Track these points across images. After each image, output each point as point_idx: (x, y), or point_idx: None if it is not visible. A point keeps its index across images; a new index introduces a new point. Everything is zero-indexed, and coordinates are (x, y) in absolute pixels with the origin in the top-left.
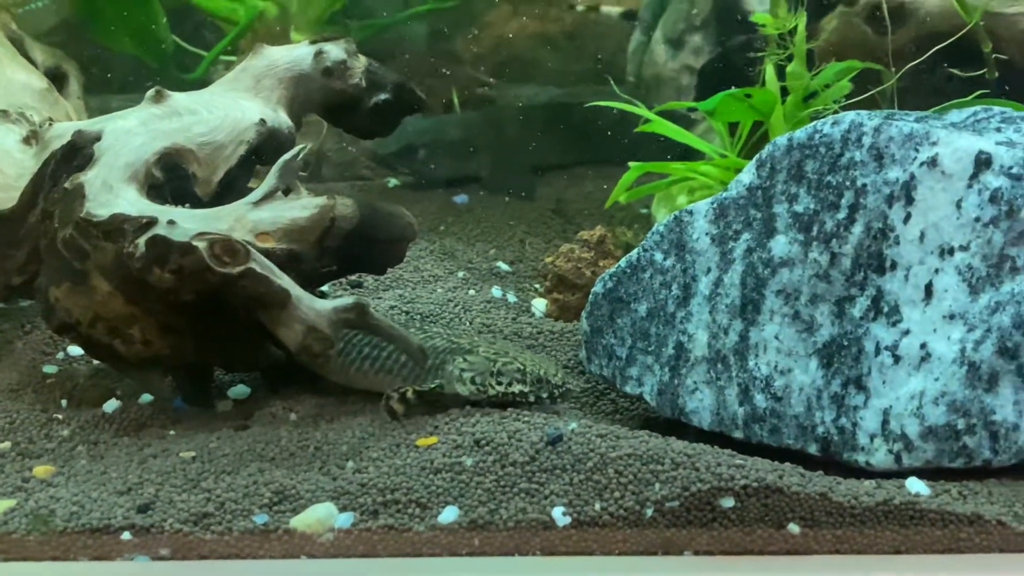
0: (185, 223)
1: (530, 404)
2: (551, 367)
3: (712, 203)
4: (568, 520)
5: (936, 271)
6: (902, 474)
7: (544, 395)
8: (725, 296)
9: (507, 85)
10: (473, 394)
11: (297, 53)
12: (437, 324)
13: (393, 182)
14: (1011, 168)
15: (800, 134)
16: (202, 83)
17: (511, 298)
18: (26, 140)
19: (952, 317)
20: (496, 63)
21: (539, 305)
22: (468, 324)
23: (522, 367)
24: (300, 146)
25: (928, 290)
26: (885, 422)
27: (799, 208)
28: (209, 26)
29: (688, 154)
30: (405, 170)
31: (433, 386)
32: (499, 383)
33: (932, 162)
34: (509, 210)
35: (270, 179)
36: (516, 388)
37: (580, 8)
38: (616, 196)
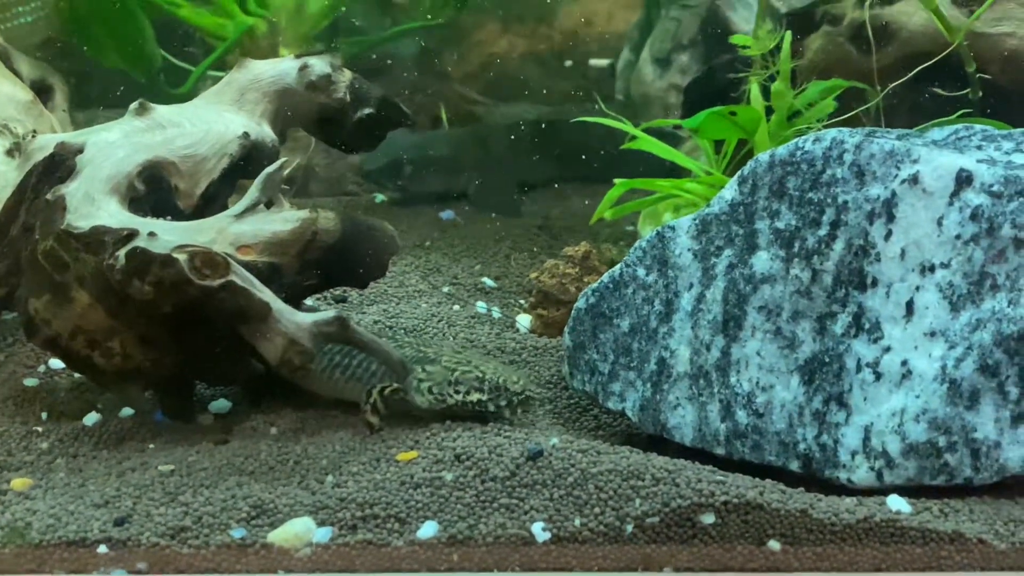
0: (166, 235)
1: (491, 413)
2: (513, 375)
3: (694, 219)
4: (548, 536)
5: (917, 288)
6: (883, 491)
7: (503, 403)
8: (707, 312)
9: (495, 102)
10: (432, 404)
11: (282, 67)
12: (409, 335)
13: (380, 198)
14: (992, 186)
15: (782, 151)
16: (190, 98)
17: (496, 313)
18: (9, 152)
19: (933, 334)
20: (484, 80)
21: (524, 321)
22: (452, 339)
23: (481, 375)
24: (283, 159)
25: (909, 307)
26: (866, 439)
27: (781, 224)
28: (198, 42)
29: (674, 171)
30: (392, 186)
31: (396, 387)
32: (457, 392)
33: (913, 179)
34: (495, 226)
35: (252, 192)
36: (474, 397)
37: (568, 64)
38: (601, 212)
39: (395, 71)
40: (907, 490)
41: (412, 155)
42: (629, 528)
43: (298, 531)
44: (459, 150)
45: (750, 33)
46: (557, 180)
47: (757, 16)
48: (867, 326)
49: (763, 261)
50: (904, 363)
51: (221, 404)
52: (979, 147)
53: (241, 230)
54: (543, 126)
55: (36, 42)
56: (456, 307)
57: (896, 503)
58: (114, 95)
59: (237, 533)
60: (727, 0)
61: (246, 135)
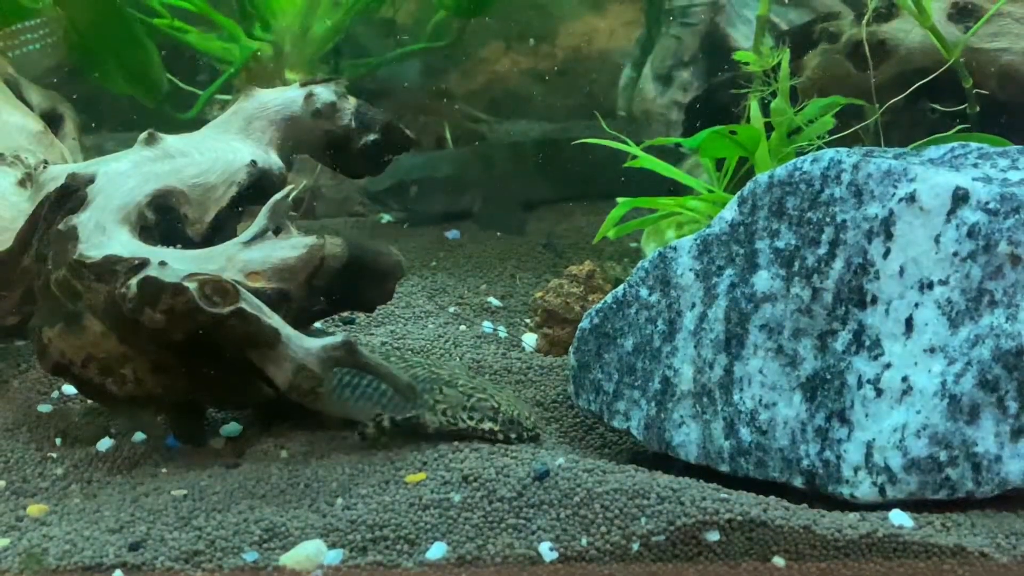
0: (176, 264)
1: (498, 442)
2: (525, 410)
3: (696, 239)
4: (555, 555)
5: (916, 305)
6: (886, 506)
7: (513, 435)
8: (709, 331)
9: (499, 121)
10: (443, 425)
11: (288, 95)
12: (418, 355)
13: (386, 218)
14: (988, 203)
15: (781, 171)
16: (197, 122)
17: (502, 333)
18: (21, 183)
19: (932, 350)
20: (488, 99)
21: (529, 340)
22: (459, 359)
23: (496, 406)
24: (289, 186)
25: (908, 324)
26: (868, 455)
27: (780, 244)
28: (204, 66)
29: (675, 188)
30: (397, 206)
31: (410, 416)
32: (471, 418)
33: (910, 198)
34: (500, 245)
35: (260, 219)
36: (487, 425)
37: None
38: (604, 231)
39: (399, 91)
40: (909, 504)
41: (417, 175)
42: (635, 546)
43: (309, 553)
44: (463, 169)
45: (750, 50)
46: (561, 198)
47: (756, 33)
48: (867, 343)
49: (764, 280)
50: (905, 379)
51: (232, 428)
52: (975, 165)
53: (250, 257)
54: (546, 144)
55: (45, 69)
56: (462, 327)
57: (899, 518)
58: (122, 120)
59: (250, 556)
60: (727, 17)
61: (254, 163)
